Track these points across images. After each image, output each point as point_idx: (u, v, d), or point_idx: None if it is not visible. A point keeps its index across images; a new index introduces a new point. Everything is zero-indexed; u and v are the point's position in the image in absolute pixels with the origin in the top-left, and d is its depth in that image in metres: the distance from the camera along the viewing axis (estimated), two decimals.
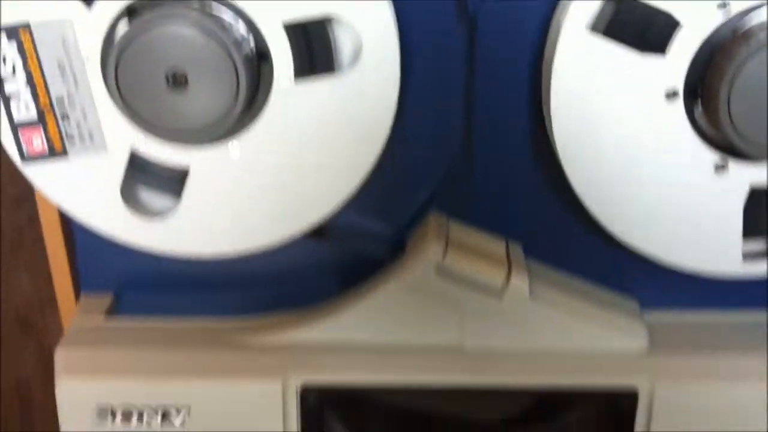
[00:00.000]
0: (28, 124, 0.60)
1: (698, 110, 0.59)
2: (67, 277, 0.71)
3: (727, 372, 0.65)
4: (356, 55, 0.59)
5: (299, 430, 0.65)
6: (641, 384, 0.64)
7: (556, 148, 0.61)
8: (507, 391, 0.65)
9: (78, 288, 0.71)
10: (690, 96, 0.59)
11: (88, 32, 0.58)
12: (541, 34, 0.61)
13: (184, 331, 0.67)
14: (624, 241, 0.64)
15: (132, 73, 0.57)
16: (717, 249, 0.63)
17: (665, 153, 0.60)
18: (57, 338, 0.66)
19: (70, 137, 0.60)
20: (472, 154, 0.66)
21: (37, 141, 0.60)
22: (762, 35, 0.56)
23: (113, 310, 0.69)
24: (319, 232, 0.66)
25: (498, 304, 0.63)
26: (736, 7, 0.57)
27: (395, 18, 0.59)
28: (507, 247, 0.66)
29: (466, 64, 0.63)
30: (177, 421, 0.64)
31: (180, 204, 0.62)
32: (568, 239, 0.68)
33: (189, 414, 0.64)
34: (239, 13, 0.58)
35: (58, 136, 0.60)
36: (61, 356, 0.65)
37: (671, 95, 0.59)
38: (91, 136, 0.60)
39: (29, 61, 0.58)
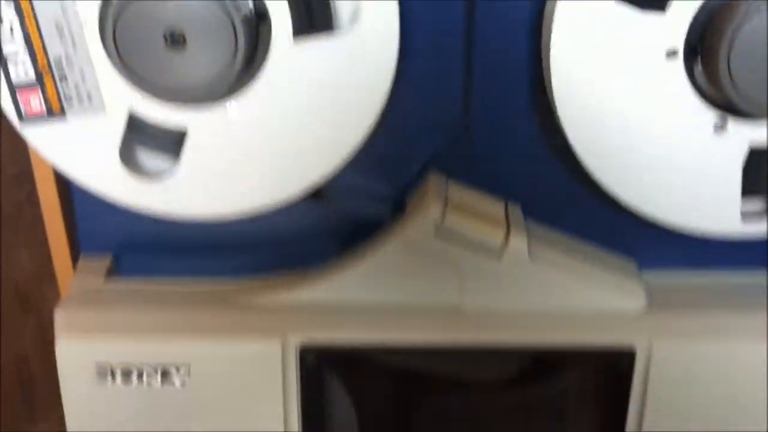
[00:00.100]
0: (27, 86, 0.59)
1: (698, 69, 0.59)
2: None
3: (725, 331, 0.65)
4: (356, 13, 0.59)
5: (298, 389, 0.66)
6: (639, 343, 0.64)
7: (555, 107, 0.61)
8: (505, 350, 0.65)
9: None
10: (690, 55, 0.59)
11: None
12: None
13: (184, 292, 0.68)
14: (623, 202, 0.64)
15: (130, 33, 0.56)
16: (716, 209, 0.63)
17: (665, 112, 0.60)
18: None
19: (69, 98, 0.60)
20: (472, 115, 0.66)
21: (35, 102, 0.60)
22: None
23: (112, 272, 0.69)
24: (318, 193, 0.66)
25: (497, 264, 0.64)
26: None
27: None
28: (506, 208, 0.66)
29: (465, 23, 0.63)
30: (177, 380, 0.64)
31: (178, 165, 0.62)
32: (566, 200, 0.68)
33: (189, 373, 0.64)
34: None
35: (56, 97, 0.60)
36: (60, 317, 0.65)
37: (671, 54, 0.59)
38: (89, 97, 0.60)
39: (27, 22, 0.58)
